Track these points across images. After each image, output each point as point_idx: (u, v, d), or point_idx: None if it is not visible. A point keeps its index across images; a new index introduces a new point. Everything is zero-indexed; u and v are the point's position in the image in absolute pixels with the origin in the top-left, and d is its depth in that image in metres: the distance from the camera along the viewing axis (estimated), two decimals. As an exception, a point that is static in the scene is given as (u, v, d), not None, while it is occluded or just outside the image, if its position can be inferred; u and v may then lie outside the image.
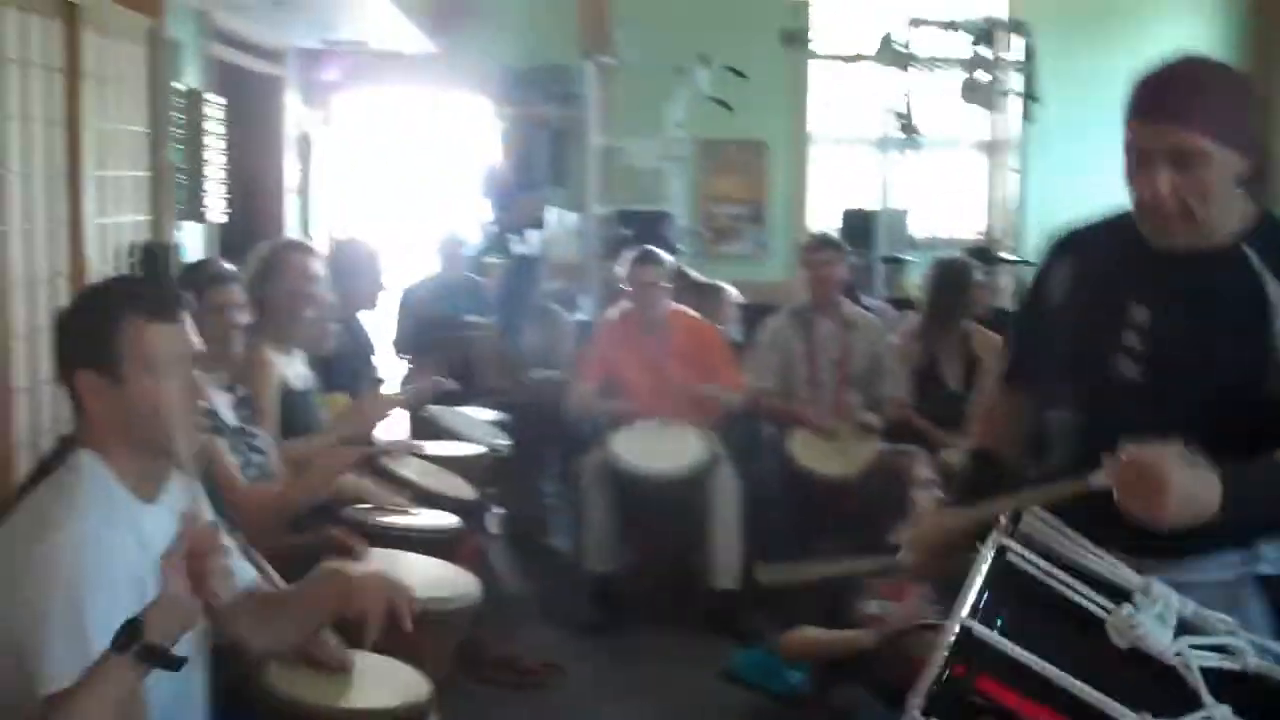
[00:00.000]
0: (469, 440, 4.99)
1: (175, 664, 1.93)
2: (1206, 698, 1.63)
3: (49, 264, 3.94)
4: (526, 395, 6.26)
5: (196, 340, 2.31)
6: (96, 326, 2.21)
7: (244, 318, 3.67)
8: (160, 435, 2.20)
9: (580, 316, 7.85)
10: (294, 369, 4.16)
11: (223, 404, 3.54)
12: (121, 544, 2.10)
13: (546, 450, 6.42)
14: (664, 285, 5.66)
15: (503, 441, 5.24)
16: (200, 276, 3.70)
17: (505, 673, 4.67)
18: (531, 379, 6.37)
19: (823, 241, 6.00)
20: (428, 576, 3.31)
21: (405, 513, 3.86)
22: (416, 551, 3.59)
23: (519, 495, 6.46)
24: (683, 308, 5.86)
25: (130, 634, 1.88)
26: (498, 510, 6.49)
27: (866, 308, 6.39)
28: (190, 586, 1.93)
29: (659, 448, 5.20)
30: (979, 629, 1.68)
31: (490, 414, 5.75)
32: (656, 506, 5.24)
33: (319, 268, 4.22)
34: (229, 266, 3.86)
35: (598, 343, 5.86)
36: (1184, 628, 1.78)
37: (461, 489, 4.35)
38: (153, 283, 2.38)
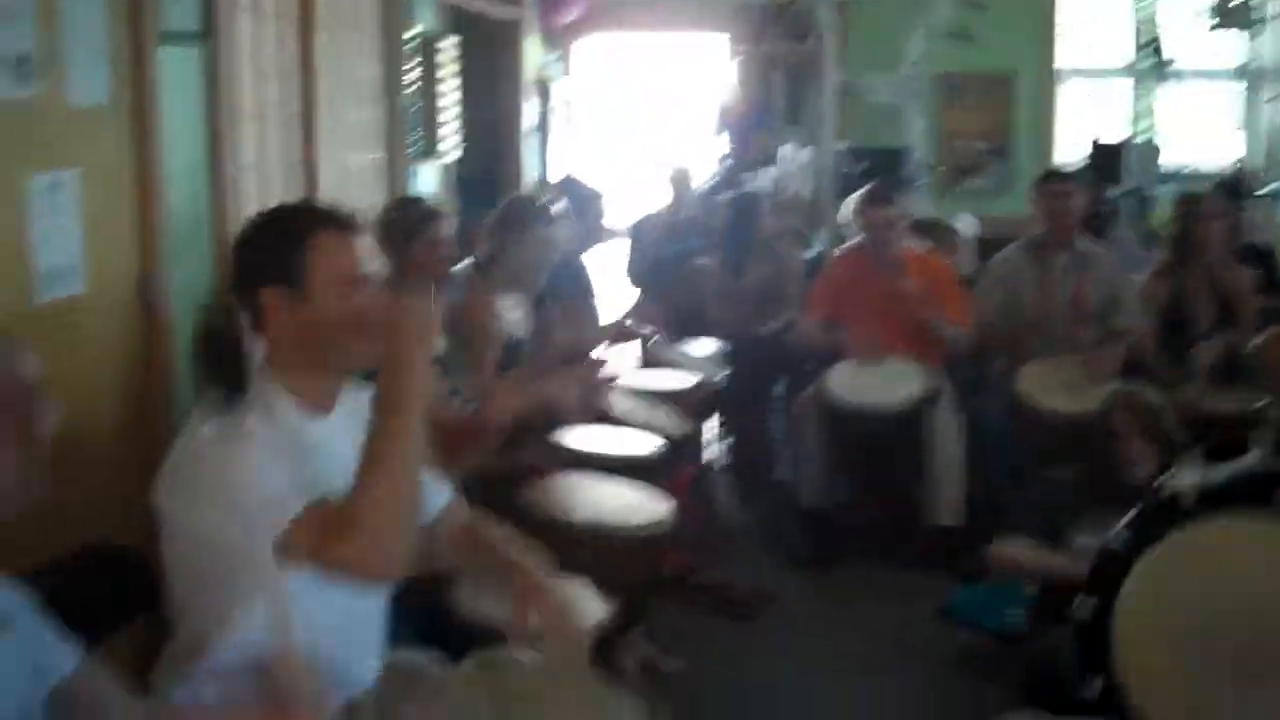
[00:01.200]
0: (687, 372, 5.04)
1: None
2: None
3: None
4: (752, 330, 6.29)
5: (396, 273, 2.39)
6: (286, 243, 2.27)
7: (452, 253, 3.80)
8: (341, 349, 2.28)
9: (812, 253, 7.82)
10: (515, 316, 4.31)
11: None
12: (279, 449, 2.17)
13: (772, 384, 6.45)
14: (897, 225, 5.56)
15: (721, 374, 5.27)
16: (414, 214, 3.85)
17: (716, 600, 4.74)
18: (757, 314, 6.39)
19: (1058, 174, 5.82)
20: (619, 501, 3.39)
21: (610, 440, 3.94)
22: (618, 477, 3.66)
23: (745, 428, 6.53)
24: (915, 246, 5.77)
25: None
26: (724, 441, 6.60)
27: (1113, 244, 6.16)
28: None
29: (877, 383, 5.15)
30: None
31: (714, 347, 5.80)
32: (872, 442, 5.19)
33: (557, 236, 4.35)
34: (438, 206, 4.01)
35: (827, 279, 5.82)
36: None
37: (672, 421, 4.41)
38: (334, 206, 2.43)
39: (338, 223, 2.33)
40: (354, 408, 2.36)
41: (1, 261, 2.90)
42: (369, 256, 2.39)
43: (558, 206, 4.71)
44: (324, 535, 2.02)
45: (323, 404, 2.33)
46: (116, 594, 2.48)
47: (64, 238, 3.14)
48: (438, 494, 2.55)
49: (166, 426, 3.54)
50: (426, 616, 2.62)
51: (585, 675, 2.42)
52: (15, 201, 2.96)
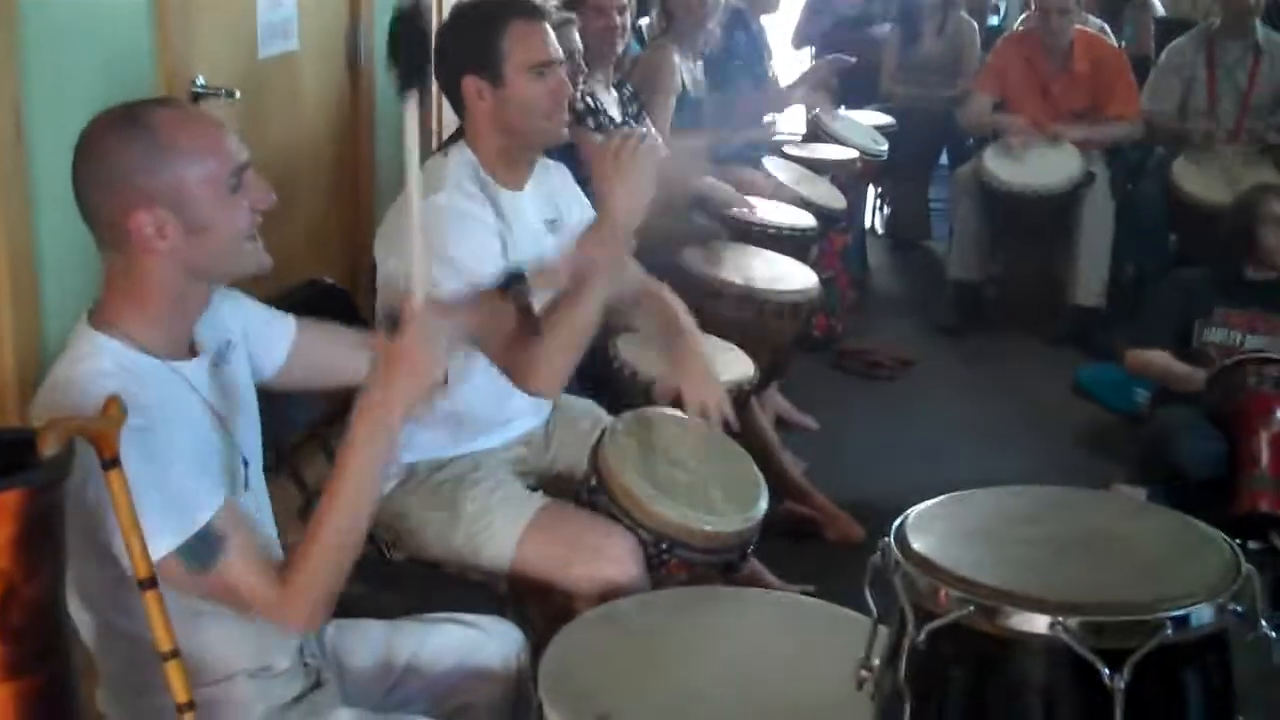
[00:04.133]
0: (849, 144, 5.23)
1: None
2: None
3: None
4: (923, 100, 6.38)
5: (574, 42, 2.62)
6: (480, 36, 2.55)
7: (625, 19, 4.02)
8: (533, 130, 2.57)
9: (994, 21, 7.76)
10: (693, 75, 4.54)
11: (609, 101, 3.97)
12: (479, 215, 2.50)
13: (935, 157, 6.58)
14: (1072, 8, 5.52)
15: (881, 148, 5.44)
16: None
17: (858, 362, 5.07)
18: (930, 84, 6.46)
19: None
20: (773, 270, 3.69)
21: (767, 210, 4.20)
22: (773, 247, 3.95)
23: (904, 198, 6.72)
24: (1090, 29, 5.76)
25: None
26: (881, 210, 6.80)
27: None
28: None
29: (1034, 164, 5.27)
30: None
31: (880, 118, 5.93)
32: (1024, 220, 5.37)
33: None
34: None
35: (999, 57, 5.87)
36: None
37: (829, 192, 4.64)
38: None
39: (527, 12, 2.58)
40: (542, 182, 2.69)
41: (232, 21, 3.24)
42: (555, 39, 2.61)
43: None
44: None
45: (517, 179, 2.64)
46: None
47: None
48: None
49: (369, 175, 3.93)
50: (591, 363, 2.95)
51: (723, 440, 2.69)
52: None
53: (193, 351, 1.82)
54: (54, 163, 2.45)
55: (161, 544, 1.62)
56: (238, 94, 3.08)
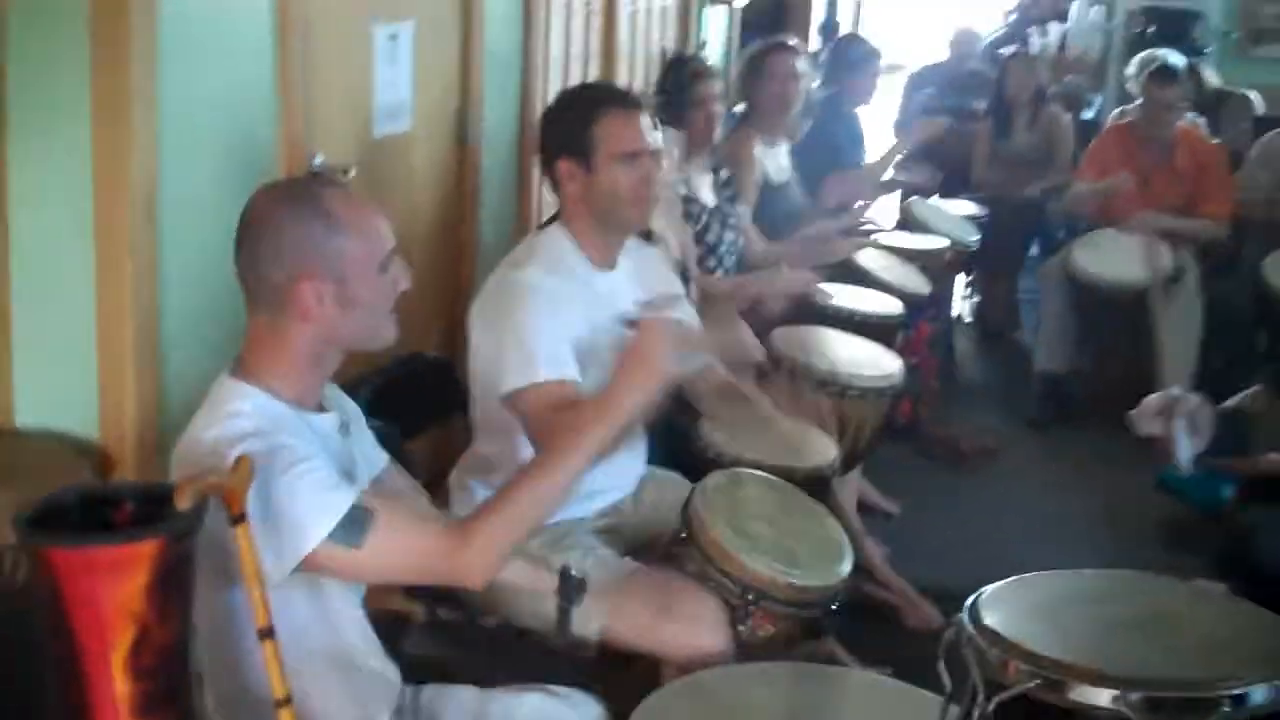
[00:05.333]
0: (938, 233, 5.30)
1: None
2: None
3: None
4: (1014, 191, 6.45)
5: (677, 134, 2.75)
6: (576, 122, 2.70)
7: (722, 108, 4.16)
8: (618, 214, 2.71)
9: (1091, 113, 7.82)
10: (776, 162, 4.65)
11: (704, 185, 4.10)
12: (569, 295, 2.64)
13: (1025, 248, 6.63)
14: (1178, 105, 5.60)
15: (972, 237, 5.51)
16: (685, 71, 4.21)
17: (943, 450, 5.11)
18: (1022, 176, 6.53)
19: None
20: (855, 355, 3.76)
21: (856, 296, 4.27)
22: (859, 334, 4.02)
23: (992, 288, 6.77)
24: (1192, 126, 5.82)
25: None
26: (970, 299, 6.85)
27: None
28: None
29: (1124, 256, 5.31)
30: None
31: (970, 208, 6.01)
32: (1112, 313, 5.40)
33: (803, 66, 4.64)
34: (713, 63, 4.36)
35: (1101, 145, 5.93)
36: None
37: (914, 280, 4.71)
38: (620, 87, 2.85)
39: (622, 102, 2.73)
40: (635, 263, 2.81)
41: (351, 99, 3.40)
42: (649, 131, 2.73)
43: (809, 51, 4.94)
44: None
45: (608, 259, 2.78)
46: (432, 399, 3.01)
47: (399, 80, 3.64)
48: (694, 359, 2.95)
49: (472, 250, 4.07)
50: (678, 444, 3.06)
51: (808, 501, 2.80)
52: (365, 48, 3.46)
53: (322, 409, 1.97)
54: (183, 239, 2.63)
55: (313, 533, 1.77)
56: (353, 171, 3.24)
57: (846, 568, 2.60)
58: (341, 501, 1.81)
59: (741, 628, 2.49)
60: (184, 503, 1.53)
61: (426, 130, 3.81)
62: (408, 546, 1.86)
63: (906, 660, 2.97)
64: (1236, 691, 1.36)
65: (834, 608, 2.60)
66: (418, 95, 3.71)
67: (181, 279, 2.65)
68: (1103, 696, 1.37)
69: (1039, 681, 1.40)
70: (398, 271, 1.97)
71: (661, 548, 2.68)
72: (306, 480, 1.79)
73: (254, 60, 2.89)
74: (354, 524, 1.80)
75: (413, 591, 2.66)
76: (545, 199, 4.51)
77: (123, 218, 2.51)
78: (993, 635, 1.48)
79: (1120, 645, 1.48)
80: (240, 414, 1.83)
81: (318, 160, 3.14)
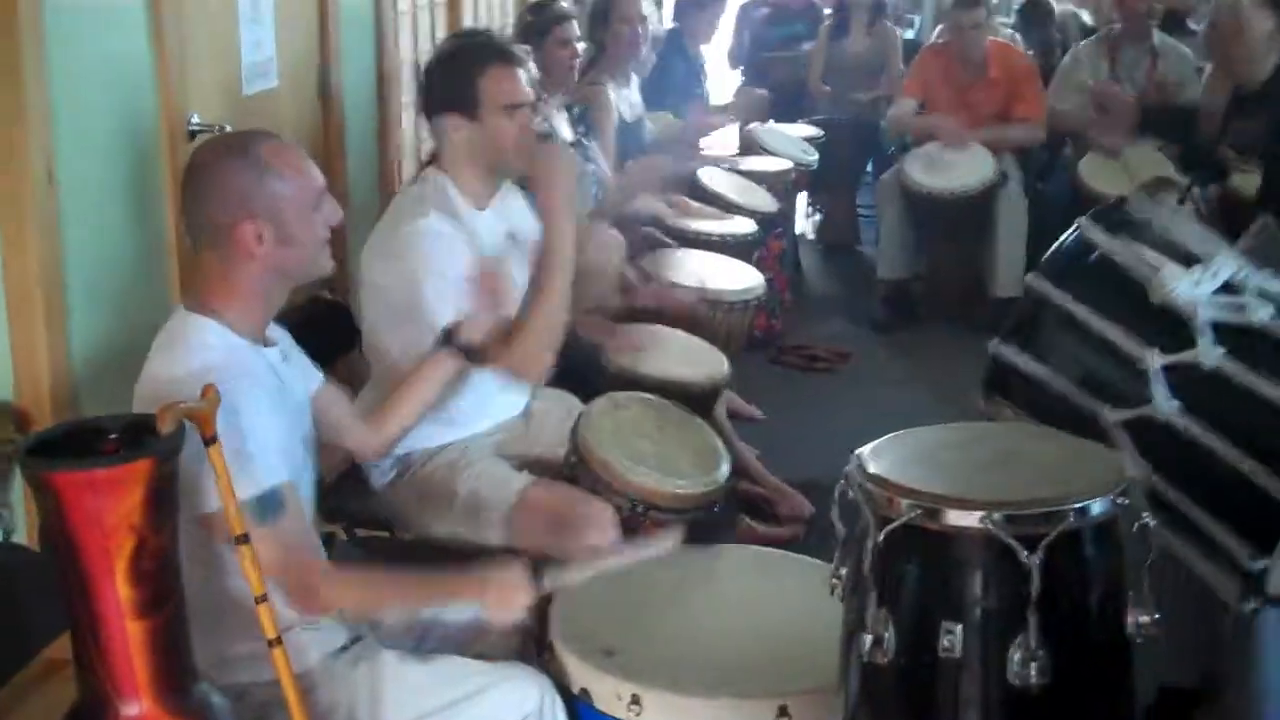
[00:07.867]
0: (781, 155, 5.59)
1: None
2: (1202, 340, 2.22)
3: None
4: (846, 111, 6.79)
5: (537, 72, 2.96)
6: (460, 77, 2.87)
7: (579, 50, 4.37)
8: (502, 161, 2.91)
9: (910, 34, 8.18)
10: (627, 100, 4.88)
11: (560, 121, 4.30)
12: (453, 238, 2.80)
13: (861, 166, 6.98)
14: (984, 24, 5.98)
15: (811, 158, 5.82)
16: (546, 16, 4.41)
17: (798, 357, 5.45)
18: (857, 84, 6.86)
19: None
20: (721, 272, 4.03)
21: (710, 219, 4.55)
22: (719, 252, 4.30)
23: (833, 205, 7.12)
24: (1002, 39, 6.20)
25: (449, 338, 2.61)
26: (813, 217, 7.19)
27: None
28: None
29: (951, 168, 5.68)
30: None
31: (809, 130, 6.33)
32: (944, 220, 5.78)
33: (648, 8, 4.87)
34: (568, 6, 4.55)
35: (919, 67, 6.30)
36: (1226, 288, 2.31)
37: (765, 201, 5.00)
38: (500, 37, 3.04)
39: (505, 57, 2.90)
40: (504, 204, 3.02)
41: (221, 61, 3.52)
42: (529, 82, 2.93)
43: None
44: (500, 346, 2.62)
45: (483, 200, 2.97)
46: (332, 339, 3.17)
47: (263, 40, 3.76)
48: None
49: (343, 198, 4.21)
50: (581, 360, 3.26)
51: (685, 414, 3.05)
52: (230, 11, 3.58)
53: (268, 344, 2.17)
54: (80, 197, 2.75)
55: (239, 492, 1.93)
56: (228, 128, 3.37)
57: (725, 471, 2.84)
58: (266, 478, 2.01)
59: (633, 536, 2.68)
60: (166, 427, 1.72)
61: (292, 86, 3.93)
62: (284, 554, 2.03)
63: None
64: (1079, 505, 1.67)
65: (716, 509, 2.85)
66: (281, 53, 3.83)
67: (79, 244, 2.76)
68: (972, 518, 1.66)
69: (919, 511, 1.68)
70: (329, 209, 2.20)
71: (554, 470, 2.89)
72: (247, 440, 1.98)
73: (131, 31, 3.00)
74: (269, 505, 2.01)
75: (331, 514, 2.87)
76: (404, 146, 4.70)
77: (26, 189, 2.62)
78: (878, 479, 1.76)
79: (982, 477, 1.78)
80: (209, 345, 2.05)
81: (194, 119, 3.26)
